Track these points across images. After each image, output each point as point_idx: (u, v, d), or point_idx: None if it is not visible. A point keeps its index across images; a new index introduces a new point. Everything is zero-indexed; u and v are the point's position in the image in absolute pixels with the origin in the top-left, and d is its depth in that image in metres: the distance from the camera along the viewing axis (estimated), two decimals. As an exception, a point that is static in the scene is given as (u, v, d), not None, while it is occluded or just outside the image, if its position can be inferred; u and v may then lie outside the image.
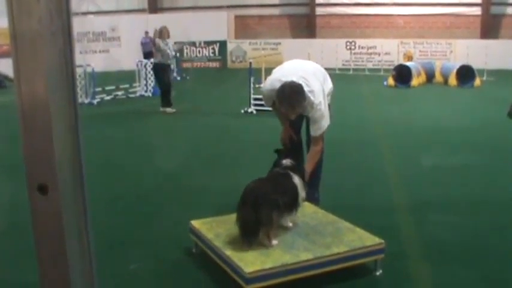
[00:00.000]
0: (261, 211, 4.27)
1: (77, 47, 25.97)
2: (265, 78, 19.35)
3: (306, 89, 5.21)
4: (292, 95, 5.12)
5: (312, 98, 5.25)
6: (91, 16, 30.14)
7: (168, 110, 13.79)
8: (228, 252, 4.21)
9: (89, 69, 15.81)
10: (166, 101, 13.89)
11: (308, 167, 5.50)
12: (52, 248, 1.26)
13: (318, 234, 4.60)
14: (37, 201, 1.23)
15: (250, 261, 4.03)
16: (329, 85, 5.73)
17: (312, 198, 5.66)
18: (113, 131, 11.70)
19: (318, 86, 5.38)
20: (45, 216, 1.24)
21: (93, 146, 9.36)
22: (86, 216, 1.29)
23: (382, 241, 4.44)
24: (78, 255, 1.28)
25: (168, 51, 13.62)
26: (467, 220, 5.84)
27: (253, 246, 4.28)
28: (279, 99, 5.22)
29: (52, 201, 1.22)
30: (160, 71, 13.69)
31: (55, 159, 1.20)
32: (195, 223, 4.88)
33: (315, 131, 5.47)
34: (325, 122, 5.44)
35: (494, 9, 28.11)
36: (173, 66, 14.69)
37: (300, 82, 5.20)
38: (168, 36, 13.93)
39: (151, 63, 17.92)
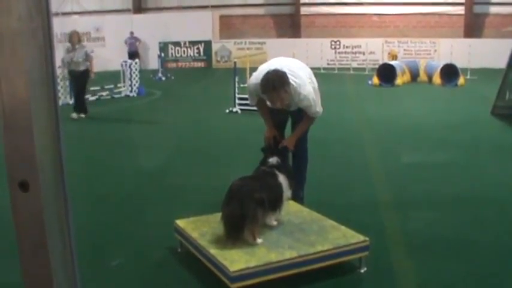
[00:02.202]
0: (246, 208, 4.31)
1: (62, 47, 25.94)
2: (250, 78, 19.10)
3: (291, 79, 5.28)
4: (275, 80, 5.18)
5: (298, 88, 5.33)
6: (75, 16, 30.04)
7: (74, 115, 12.81)
8: (213, 251, 4.22)
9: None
10: (75, 106, 13.02)
11: (298, 131, 5.66)
12: (33, 244, 1.27)
13: (303, 232, 4.62)
14: (18, 198, 1.24)
15: (235, 260, 4.04)
16: (315, 82, 5.77)
17: (297, 197, 5.69)
18: (97, 131, 11.67)
19: (304, 78, 5.47)
20: (27, 213, 1.25)
21: (78, 145, 9.34)
22: (67, 213, 1.30)
23: (367, 238, 4.47)
24: (60, 251, 1.29)
25: (75, 58, 12.57)
26: (451, 216, 5.89)
27: (237, 244, 4.29)
28: (263, 86, 5.26)
29: (33, 198, 1.23)
30: (71, 78, 13.13)
31: (36, 156, 1.21)
32: (180, 222, 4.89)
33: (309, 115, 5.59)
34: (318, 108, 5.56)
35: (477, 9, 28.30)
36: (90, 72, 13.07)
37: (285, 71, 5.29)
38: (79, 41, 12.95)
39: (135, 63, 17.91)
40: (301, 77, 5.44)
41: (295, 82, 5.32)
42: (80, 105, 13.05)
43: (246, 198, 4.35)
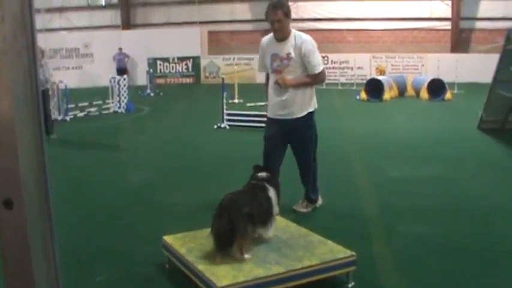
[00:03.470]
0: (236, 223, 4.35)
1: (50, 64, 25.94)
2: (238, 94, 19.23)
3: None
4: (277, 2, 6.00)
5: (299, 34, 6.09)
6: (64, 32, 30.09)
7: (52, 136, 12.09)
8: (201, 267, 4.23)
9: (61, 86, 15.71)
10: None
11: (300, 80, 6.10)
12: (18, 262, 1.28)
13: (290, 247, 4.63)
14: (3, 216, 1.25)
15: (222, 276, 4.04)
16: None
17: (310, 199, 6.47)
18: (83, 148, 11.64)
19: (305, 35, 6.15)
20: (11, 230, 1.26)
21: (65, 162, 9.33)
22: (52, 230, 1.31)
23: (354, 253, 4.49)
24: (44, 269, 1.30)
25: (41, 76, 11.42)
26: (437, 230, 5.91)
27: (225, 259, 4.31)
28: (267, 9, 6.07)
29: (17, 216, 1.24)
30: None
31: (20, 174, 1.22)
32: (168, 238, 4.89)
33: (313, 69, 6.04)
34: (318, 57, 6.09)
35: (464, 24, 28.54)
36: (52, 92, 13.18)
37: None
38: (43, 57, 12.42)
39: (124, 79, 17.92)
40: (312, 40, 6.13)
41: (296, 31, 6.13)
42: (51, 125, 12.43)
43: (236, 213, 4.39)
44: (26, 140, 1.24)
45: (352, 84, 24.87)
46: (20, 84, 1.22)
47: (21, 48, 1.22)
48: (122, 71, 26.11)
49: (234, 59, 29.22)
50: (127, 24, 32.17)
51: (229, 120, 13.33)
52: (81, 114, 16.51)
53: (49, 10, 28.89)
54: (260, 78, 28.38)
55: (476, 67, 23.34)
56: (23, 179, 1.24)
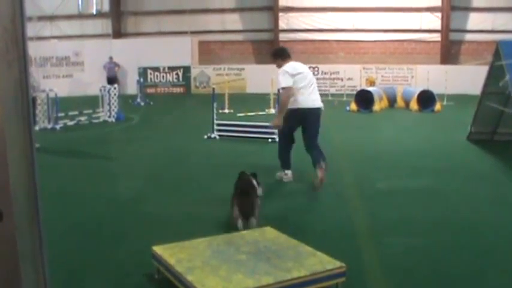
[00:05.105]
0: (254, 198, 6.16)
1: (40, 72, 25.92)
2: (229, 104, 19.31)
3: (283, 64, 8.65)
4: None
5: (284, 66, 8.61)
6: (54, 40, 30.02)
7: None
8: (190, 278, 4.21)
9: (52, 94, 15.68)
10: None
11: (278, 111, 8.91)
12: (7, 272, 1.27)
13: (280, 258, 4.62)
14: (-8, 228, 1.24)
15: (211, 286, 4.03)
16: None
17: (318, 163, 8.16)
18: (74, 157, 11.60)
19: (286, 70, 8.50)
20: (0, 242, 1.25)
21: (54, 172, 9.29)
22: (41, 242, 1.30)
23: (343, 264, 4.49)
24: (33, 279, 1.29)
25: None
26: (427, 242, 5.92)
27: (217, 268, 4.32)
28: None
29: (7, 227, 1.23)
30: None
31: (10, 186, 1.22)
32: (157, 249, 4.87)
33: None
34: (281, 81, 8.39)
35: (453, 36, 28.75)
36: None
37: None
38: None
39: (114, 88, 17.90)
40: (285, 68, 8.49)
41: (285, 65, 8.62)
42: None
43: (252, 191, 6.30)
44: (16, 150, 1.23)
45: (342, 95, 24.94)
46: (11, 96, 1.22)
47: (13, 60, 1.22)
48: (112, 80, 26.07)
49: (224, 68, 29.25)
50: (118, 33, 32.17)
51: (219, 130, 13.32)
52: (71, 123, 16.47)
53: (40, 18, 28.87)
54: (250, 88, 28.62)
55: (466, 79, 23.48)
56: (13, 190, 1.23)
